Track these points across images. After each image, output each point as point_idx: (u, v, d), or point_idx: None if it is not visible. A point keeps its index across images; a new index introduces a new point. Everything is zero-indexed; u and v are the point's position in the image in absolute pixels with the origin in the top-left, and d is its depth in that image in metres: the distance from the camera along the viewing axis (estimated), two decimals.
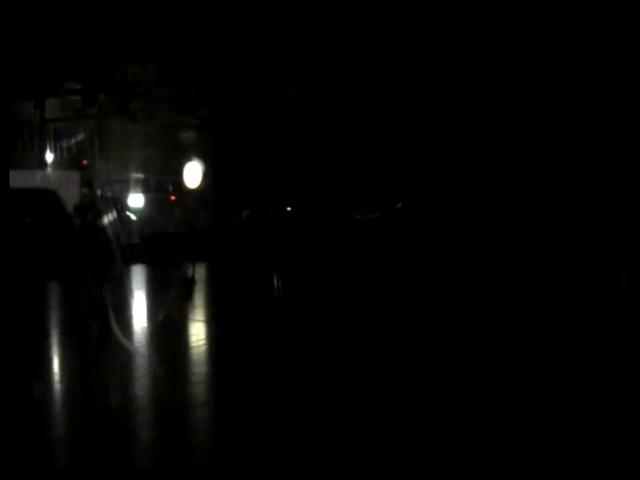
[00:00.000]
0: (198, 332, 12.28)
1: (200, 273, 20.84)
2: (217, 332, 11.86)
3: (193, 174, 26.82)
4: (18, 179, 19.83)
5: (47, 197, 24.96)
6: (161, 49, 26.96)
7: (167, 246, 27.42)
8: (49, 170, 30.59)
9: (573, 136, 25.74)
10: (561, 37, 25.96)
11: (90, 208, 21.79)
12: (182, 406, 6.96)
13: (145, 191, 37.64)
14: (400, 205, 35.96)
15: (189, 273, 18.77)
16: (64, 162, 32.32)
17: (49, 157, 31.56)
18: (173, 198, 35.61)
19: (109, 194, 30.39)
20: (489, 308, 13.41)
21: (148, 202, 37.20)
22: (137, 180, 37.17)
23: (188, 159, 27.41)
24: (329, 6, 24.13)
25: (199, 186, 27.59)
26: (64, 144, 32.30)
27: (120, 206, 30.33)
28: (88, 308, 12.82)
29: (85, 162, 33.01)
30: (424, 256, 22.54)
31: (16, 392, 6.80)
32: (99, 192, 29.83)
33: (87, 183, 30.22)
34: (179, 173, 27.95)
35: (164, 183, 36.84)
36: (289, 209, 33.85)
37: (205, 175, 29.24)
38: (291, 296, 17.36)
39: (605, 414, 6.36)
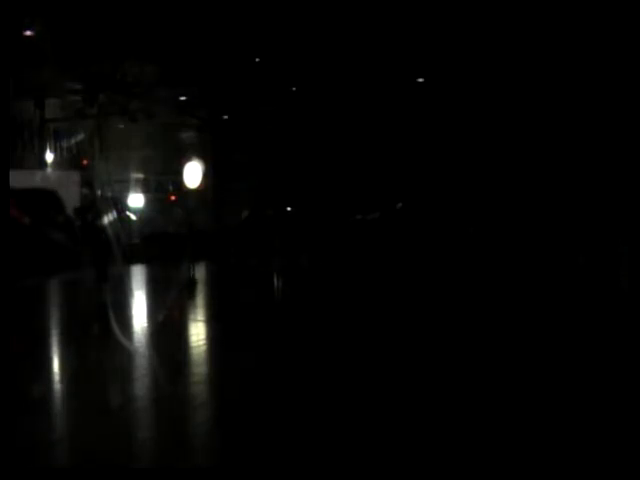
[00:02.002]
0: (198, 332, 12.27)
1: (200, 273, 20.84)
2: (218, 332, 11.85)
3: (193, 174, 26.79)
4: (18, 179, 19.82)
5: (47, 197, 24.97)
6: (161, 49, 26.96)
7: (167, 246, 27.42)
8: (49, 170, 30.57)
9: (573, 140, 25.77)
10: (560, 43, 26.08)
11: (90, 208, 21.86)
12: (182, 406, 6.96)
13: (145, 191, 37.64)
14: (400, 205, 36.00)
15: (189, 273, 18.77)
16: (64, 162, 32.30)
17: (49, 157, 31.53)
18: (173, 198, 35.62)
19: (109, 194, 30.38)
20: (488, 306, 13.42)
21: (148, 202, 37.19)
22: (137, 180, 37.17)
23: (188, 159, 27.39)
24: (332, 9, 24.13)
25: (199, 186, 27.56)
26: (64, 144, 32.27)
27: (120, 206, 30.31)
28: (88, 308, 12.83)
29: (85, 162, 32.99)
30: (425, 255, 22.58)
31: (16, 392, 6.80)
32: (99, 192, 29.81)
33: (87, 183, 30.21)
34: (179, 173, 27.94)
35: (164, 183, 36.86)
36: (289, 209, 33.88)
37: (205, 175, 29.22)
38: (291, 295, 17.36)
39: (604, 412, 6.36)
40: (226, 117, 38.43)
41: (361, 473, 5.13)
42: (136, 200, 36.57)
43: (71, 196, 26.76)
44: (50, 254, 20.97)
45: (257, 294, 17.07)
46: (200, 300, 17.16)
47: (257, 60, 29.54)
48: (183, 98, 34.25)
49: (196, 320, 13.71)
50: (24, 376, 7.92)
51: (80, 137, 32.42)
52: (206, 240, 26.76)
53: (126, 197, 35.75)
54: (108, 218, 17.63)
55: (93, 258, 13.64)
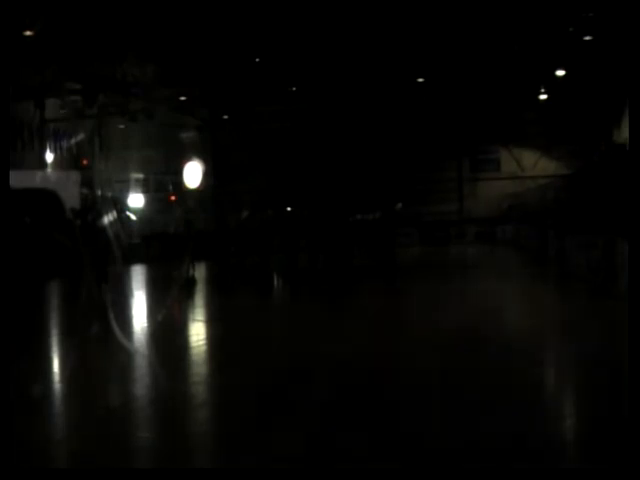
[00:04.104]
0: (198, 332, 12.28)
1: (200, 273, 20.85)
2: (217, 332, 11.85)
3: (193, 174, 26.79)
4: (18, 179, 19.82)
5: (47, 197, 24.97)
6: (161, 49, 26.95)
7: (167, 246, 27.45)
8: (49, 170, 30.56)
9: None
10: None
11: (90, 209, 21.86)
12: (182, 406, 6.95)
13: (145, 191, 37.67)
14: (400, 205, 36.01)
15: (189, 273, 18.78)
16: (64, 162, 32.29)
17: (49, 157, 31.51)
18: (173, 198, 35.65)
19: (109, 194, 30.38)
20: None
21: (148, 202, 37.22)
22: (137, 180, 37.19)
23: (188, 159, 27.39)
24: (332, 9, 24.13)
25: (199, 186, 27.57)
26: (64, 144, 32.26)
27: (120, 206, 30.32)
28: (88, 308, 12.83)
29: (85, 162, 32.99)
30: None
31: (16, 392, 6.79)
32: (99, 192, 29.82)
33: (87, 183, 30.21)
34: (179, 173, 27.96)
35: (164, 183, 36.89)
36: (289, 209, 33.90)
37: (205, 175, 29.22)
38: (290, 295, 17.36)
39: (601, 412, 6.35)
40: (226, 117, 38.46)
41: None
42: (136, 200, 36.59)
43: (71, 196, 26.75)
44: (50, 254, 20.97)
45: (256, 294, 17.07)
46: (199, 300, 17.17)
47: (257, 60, 29.53)
48: (183, 98, 34.27)
49: (195, 320, 13.72)
50: (24, 376, 7.91)
51: (80, 137, 32.41)
52: (206, 240, 26.77)
53: (126, 197, 35.78)
54: (108, 218, 17.63)
55: (93, 258, 13.64)
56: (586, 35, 25.95)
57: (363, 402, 6.82)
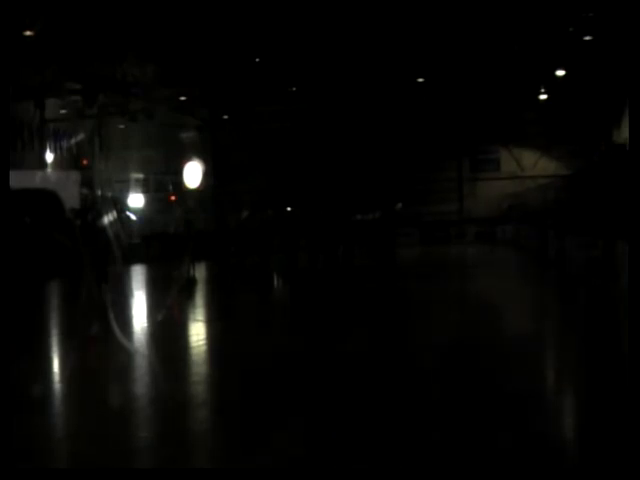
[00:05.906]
0: (198, 332, 12.27)
1: (200, 273, 20.85)
2: (217, 332, 11.85)
3: (193, 174, 26.80)
4: (18, 179, 19.81)
5: (47, 197, 24.97)
6: (161, 49, 26.95)
7: (167, 246, 27.46)
8: (49, 170, 30.54)
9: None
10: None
11: (90, 209, 21.89)
12: (182, 406, 6.95)
13: (145, 191, 37.65)
14: (400, 205, 36.01)
15: (189, 273, 18.77)
16: (64, 162, 32.28)
17: (49, 157, 31.50)
18: (173, 198, 35.65)
19: (109, 194, 30.37)
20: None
21: (148, 202, 37.21)
22: (137, 180, 37.18)
23: (188, 159, 27.40)
24: (331, 9, 24.13)
25: (199, 186, 27.58)
26: (64, 144, 32.24)
27: (120, 206, 30.33)
28: (88, 308, 12.83)
29: (85, 162, 32.99)
30: None
31: (16, 392, 6.80)
32: (99, 192, 29.81)
33: (87, 183, 30.21)
34: (179, 173, 27.96)
35: (164, 183, 36.88)
36: (289, 209, 33.90)
37: (205, 175, 29.22)
38: (291, 296, 17.35)
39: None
40: (226, 117, 38.45)
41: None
42: (136, 200, 36.59)
43: (71, 196, 26.76)
44: (50, 254, 20.98)
45: (256, 294, 17.07)
46: (200, 300, 17.17)
47: (257, 60, 29.52)
48: (183, 98, 34.26)
49: (196, 320, 13.71)
50: (24, 376, 7.91)
51: (80, 137, 32.40)
52: (206, 240, 26.77)
53: (126, 197, 35.78)
54: (108, 218, 17.63)
55: (93, 258, 13.65)
56: (586, 35, 25.94)
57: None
